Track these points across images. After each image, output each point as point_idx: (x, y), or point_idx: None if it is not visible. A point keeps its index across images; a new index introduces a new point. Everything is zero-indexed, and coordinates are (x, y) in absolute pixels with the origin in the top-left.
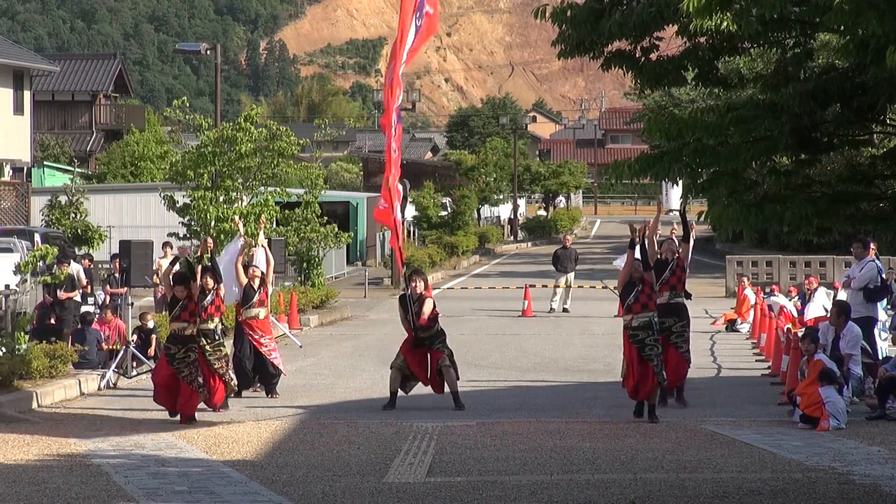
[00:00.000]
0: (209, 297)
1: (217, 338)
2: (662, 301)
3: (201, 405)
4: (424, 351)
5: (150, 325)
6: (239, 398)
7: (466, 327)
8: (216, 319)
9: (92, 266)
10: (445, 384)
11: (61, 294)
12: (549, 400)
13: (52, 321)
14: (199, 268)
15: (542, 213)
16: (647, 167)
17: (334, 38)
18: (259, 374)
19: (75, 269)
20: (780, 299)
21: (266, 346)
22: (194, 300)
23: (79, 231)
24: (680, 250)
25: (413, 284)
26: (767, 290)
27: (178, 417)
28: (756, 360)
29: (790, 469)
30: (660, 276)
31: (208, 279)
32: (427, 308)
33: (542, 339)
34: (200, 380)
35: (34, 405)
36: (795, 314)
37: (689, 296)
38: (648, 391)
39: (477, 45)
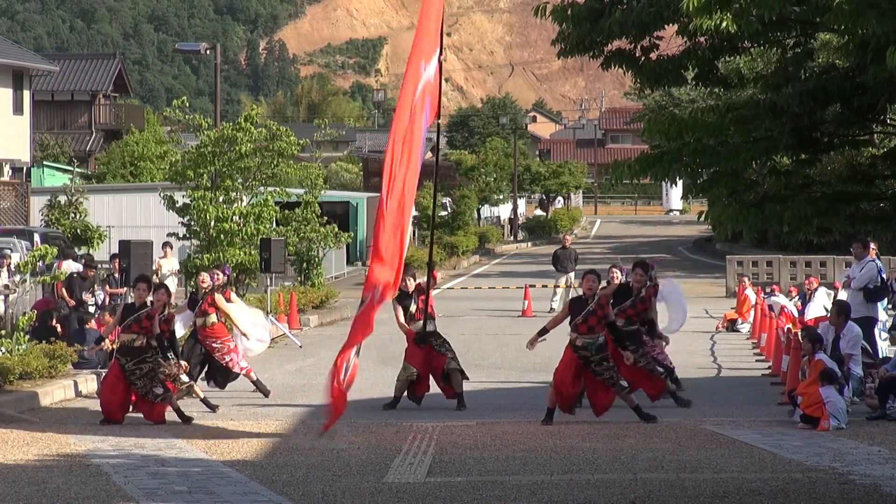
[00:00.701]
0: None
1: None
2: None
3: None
4: (429, 350)
5: None
6: (234, 398)
7: (466, 327)
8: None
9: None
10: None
11: (86, 296)
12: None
13: (55, 323)
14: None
15: (539, 212)
16: (647, 167)
17: (334, 37)
18: (212, 375)
19: (73, 267)
20: (780, 299)
21: (219, 351)
22: (150, 312)
23: (78, 231)
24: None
25: (405, 283)
26: (768, 290)
27: (114, 421)
28: (756, 360)
29: (790, 469)
30: (621, 302)
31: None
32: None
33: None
34: (158, 390)
35: (34, 405)
36: (796, 314)
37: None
38: (605, 405)
39: (477, 45)
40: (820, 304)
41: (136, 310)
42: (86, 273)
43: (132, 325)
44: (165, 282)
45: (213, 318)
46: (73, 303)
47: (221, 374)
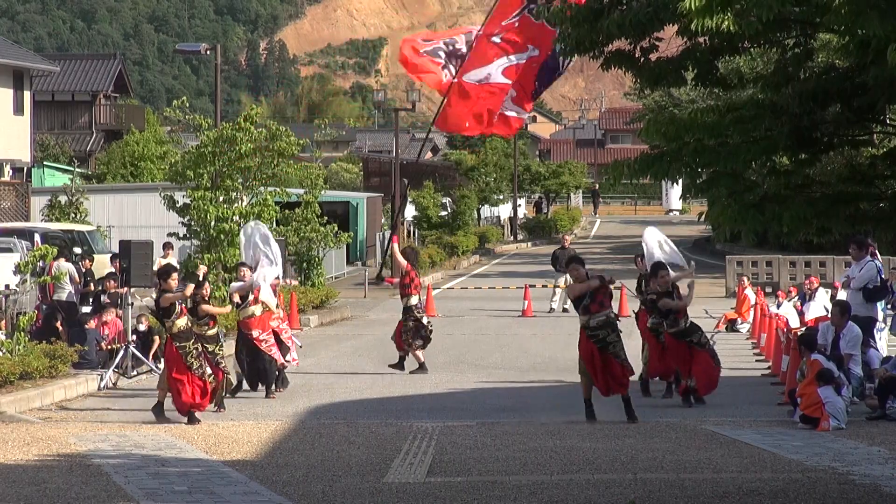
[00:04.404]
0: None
1: (218, 341)
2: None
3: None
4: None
5: (142, 327)
6: (234, 398)
7: (466, 327)
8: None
9: (92, 266)
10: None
11: (108, 315)
12: (549, 400)
13: (59, 323)
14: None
15: (524, 212)
16: (646, 167)
17: (334, 38)
18: (259, 374)
19: (66, 267)
20: (784, 308)
21: (266, 342)
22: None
23: None
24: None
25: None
26: (773, 295)
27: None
28: (756, 360)
29: (790, 469)
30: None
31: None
32: None
33: (542, 339)
34: (209, 370)
35: (34, 405)
36: (796, 316)
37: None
38: (621, 384)
39: None
40: (821, 304)
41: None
42: (109, 286)
43: (181, 310)
44: None
45: (259, 309)
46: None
47: (261, 377)
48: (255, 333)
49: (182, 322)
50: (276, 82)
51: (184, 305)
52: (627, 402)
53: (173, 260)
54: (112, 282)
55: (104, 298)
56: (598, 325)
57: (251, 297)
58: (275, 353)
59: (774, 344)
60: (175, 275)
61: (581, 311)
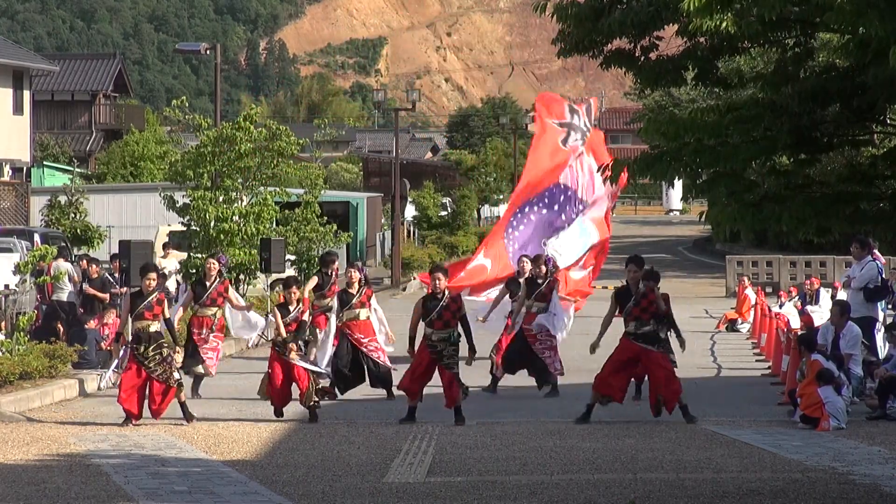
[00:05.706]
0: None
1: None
2: (630, 330)
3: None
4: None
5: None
6: (234, 399)
7: None
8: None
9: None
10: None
11: (109, 317)
12: (549, 400)
13: (59, 323)
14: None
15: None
16: (646, 167)
17: (334, 37)
18: (369, 374)
19: (64, 267)
20: (786, 309)
21: (367, 347)
22: (160, 297)
23: (78, 231)
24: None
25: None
26: (773, 295)
27: (140, 422)
28: (756, 360)
29: (790, 469)
30: (624, 305)
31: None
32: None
33: None
34: (176, 375)
35: (34, 405)
36: (797, 316)
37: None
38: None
39: (477, 45)
40: (826, 307)
41: (144, 298)
42: (92, 272)
43: (144, 312)
44: (167, 283)
45: (364, 313)
46: (107, 297)
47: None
48: (356, 336)
49: (140, 324)
50: (276, 82)
51: (148, 311)
52: (458, 412)
53: (174, 260)
54: (94, 266)
55: (86, 286)
56: (438, 339)
57: (356, 301)
58: (380, 357)
59: (774, 344)
60: (152, 275)
61: (426, 324)
